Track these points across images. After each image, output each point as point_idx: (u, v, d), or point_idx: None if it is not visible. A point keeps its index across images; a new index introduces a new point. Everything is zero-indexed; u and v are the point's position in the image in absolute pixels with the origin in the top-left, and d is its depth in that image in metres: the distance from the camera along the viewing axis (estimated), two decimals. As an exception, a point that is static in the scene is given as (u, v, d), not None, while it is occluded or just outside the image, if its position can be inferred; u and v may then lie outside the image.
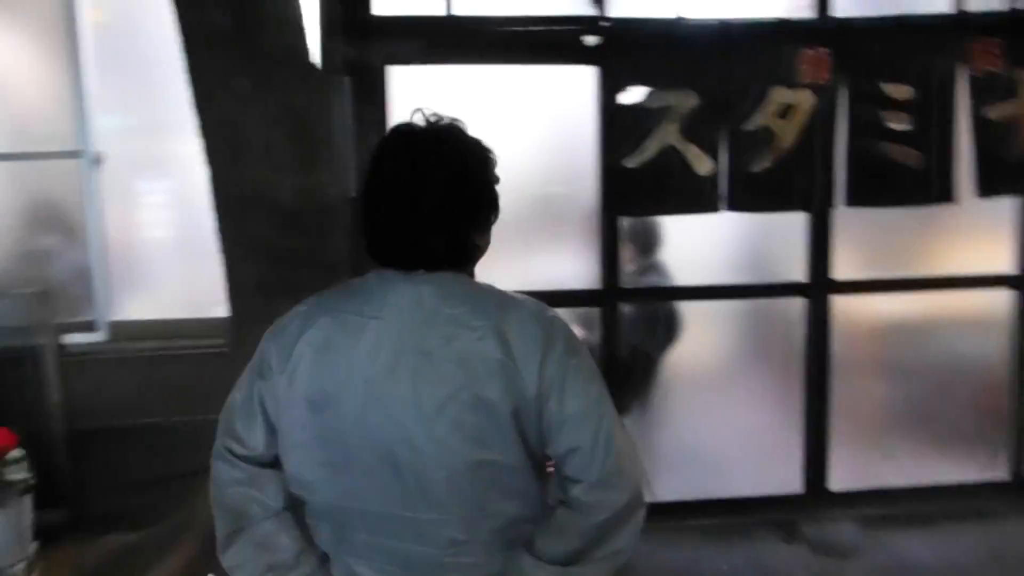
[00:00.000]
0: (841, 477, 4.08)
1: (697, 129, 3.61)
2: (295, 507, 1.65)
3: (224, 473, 1.64)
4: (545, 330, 1.55)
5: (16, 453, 3.24)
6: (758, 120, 3.65)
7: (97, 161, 3.85)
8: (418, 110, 1.65)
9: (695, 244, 4.06)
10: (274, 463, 1.63)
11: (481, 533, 1.57)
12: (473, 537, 1.57)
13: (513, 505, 1.57)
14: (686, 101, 3.60)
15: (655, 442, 4.17)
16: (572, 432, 1.55)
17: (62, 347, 3.83)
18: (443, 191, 1.55)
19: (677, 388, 4.18)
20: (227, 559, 1.63)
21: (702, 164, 3.64)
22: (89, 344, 3.86)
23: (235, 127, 2.92)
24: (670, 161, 3.62)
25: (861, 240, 4.04)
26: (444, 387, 1.50)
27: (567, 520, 1.57)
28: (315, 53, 3.04)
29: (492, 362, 1.50)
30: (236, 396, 1.65)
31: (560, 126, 3.92)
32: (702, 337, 4.20)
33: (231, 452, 1.63)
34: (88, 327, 3.90)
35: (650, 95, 3.60)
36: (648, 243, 4.19)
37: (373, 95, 3.71)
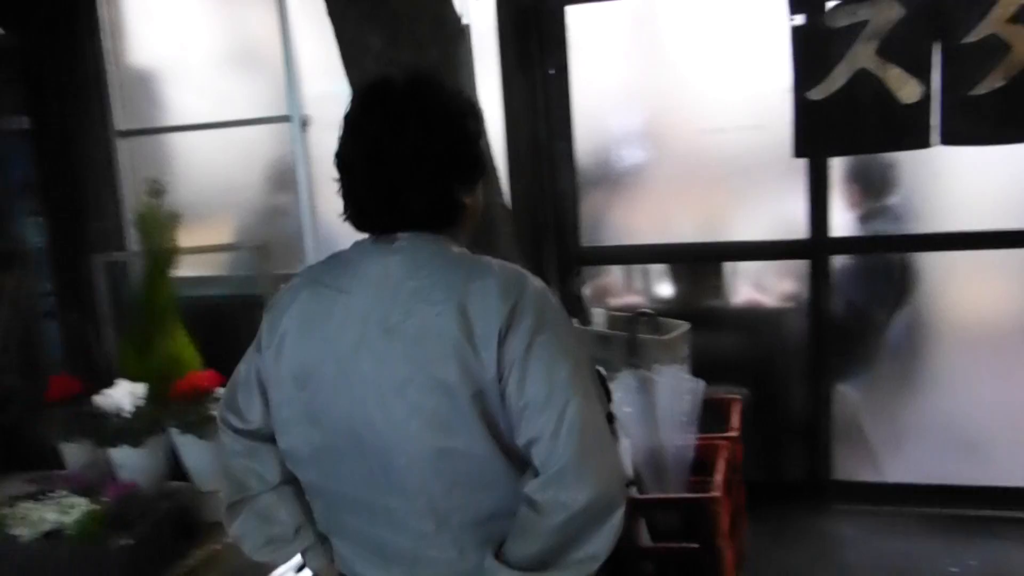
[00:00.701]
0: None
1: (900, 47, 3.09)
2: (295, 482, 1.66)
3: (227, 444, 1.69)
4: (510, 304, 1.41)
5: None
6: (984, 29, 3.03)
7: (305, 124, 4.15)
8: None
9: (946, 183, 3.52)
10: (273, 438, 1.63)
11: (451, 527, 1.48)
12: (442, 530, 1.48)
13: (485, 499, 1.46)
14: (886, 13, 3.08)
15: (889, 414, 3.74)
16: (531, 420, 1.40)
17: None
18: (417, 141, 1.46)
19: (918, 353, 3.69)
20: (233, 529, 1.68)
21: (907, 89, 3.12)
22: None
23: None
24: (864, 89, 3.13)
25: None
26: (402, 368, 1.42)
27: (527, 520, 1.42)
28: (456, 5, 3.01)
29: (448, 341, 1.40)
30: (240, 368, 1.69)
31: (752, 54, 3.57)
32: (955, 293, 3.66)
33: (230, 425, 1.67)
34: (299, 281, 4.26)
35: (836, 10, 3.13)
36: (877, 182, 3.71)
37: (553, 38, 3.64)
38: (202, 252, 4.16)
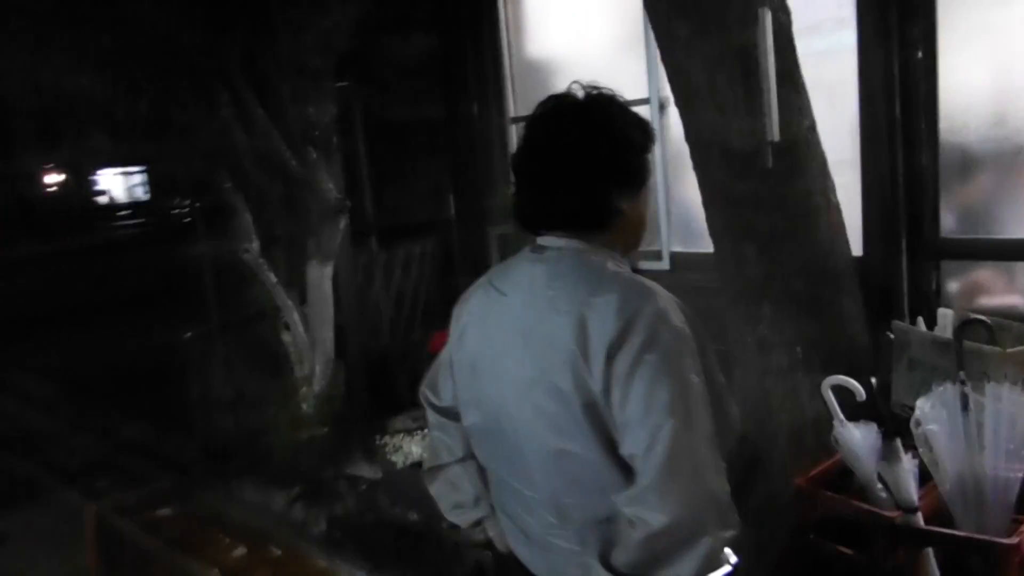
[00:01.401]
0: None
1: None
2: None
3: (428, 417, 1.95)
4: (624, 321, 1.46)
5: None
6: None
7: (663, 106, 4.25)
8: (576, 82, 1.68)
9: None
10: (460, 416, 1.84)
11: (573, 521, 1.58)
12: (565, 523, 1.59)
13: (601, 501, 1.53)
14: None
15: None
16: (630, 436, 1.46)
17: (636, 272, 4.41)
18: (575, 143, 1.59)
19: None
20: (432, 489, 1.93)
21: None
22: (656, 271, 4.37)
23: (686, 73, 3.00)
24: None
25: None
26: (530, 371, 1.56)
27: (620, 530, 1.49)
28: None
29: (566, 350, 1.50)
30: (445, 350, 1.92)
31: None
32: None
33: (428, 401, 1.93)
34: (656, 256, 4.40)
35: None
36: None
37: (918, 6, 3.29)
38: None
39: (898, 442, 2.47)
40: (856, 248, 3.61)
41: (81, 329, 9.56)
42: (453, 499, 1.88)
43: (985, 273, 3.47)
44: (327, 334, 4.36)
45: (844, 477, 2.76)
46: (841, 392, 2.65)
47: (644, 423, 1.43)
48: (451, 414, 1.87)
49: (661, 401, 1.42)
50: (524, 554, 1.72)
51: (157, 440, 5.89)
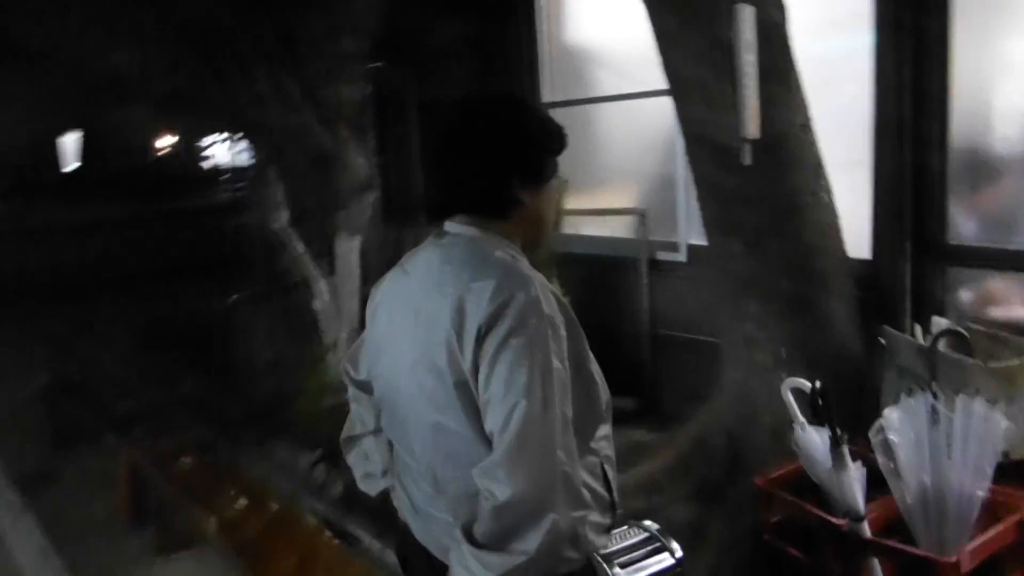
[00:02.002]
0: None
1: None
2: None
3: (348, 390, 2.04)
4: (497, 306, 1.52)
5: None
6: None
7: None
8: None
9: None
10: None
11: (447, 494, 1.66)
12: (441, 495, 1.67)
13: (471, 477, 1.57)
14: None
15: None
16: (491, 414, 1.51)
17: (653, 262, 4.43)
18: (481, 139, 1.67)
19: None
20: (348, 459, 2.02)
21: None
22: (672, 263, 4.36)
23: (676, 66, 3.00)
24: None
25: None
26: (417, 348, 1.64)
27: (479, 502, 1.55)
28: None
29: (444, 331, 1.57)
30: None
31: None
32: None
33: (347, 374, 2.01)
34: (673, 248, 4.39)
35: None
36: None
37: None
38: (587, 214, 4.56)
39: (844, 449, 2.44)
40: (864, 250, 3.55)
41: (154, 289, 10.21)
42: (364, 469, 1.97)
43: (997, 283, 3.35)
44: (353, 305, 4.52)
45: (809, 481, 2.75)
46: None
47: (503, 402, 1.48)
48: (366, 388, 1.96)
49: (519, 383, 1.47)
50: (412, 523, 1.81)
51: (198, 395, 6.25)
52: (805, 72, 3.11)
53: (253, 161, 4.40)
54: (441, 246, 1.70)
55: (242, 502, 3.57)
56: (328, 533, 3.22)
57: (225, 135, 4.65)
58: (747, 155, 2.75)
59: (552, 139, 1.73)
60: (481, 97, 1.75)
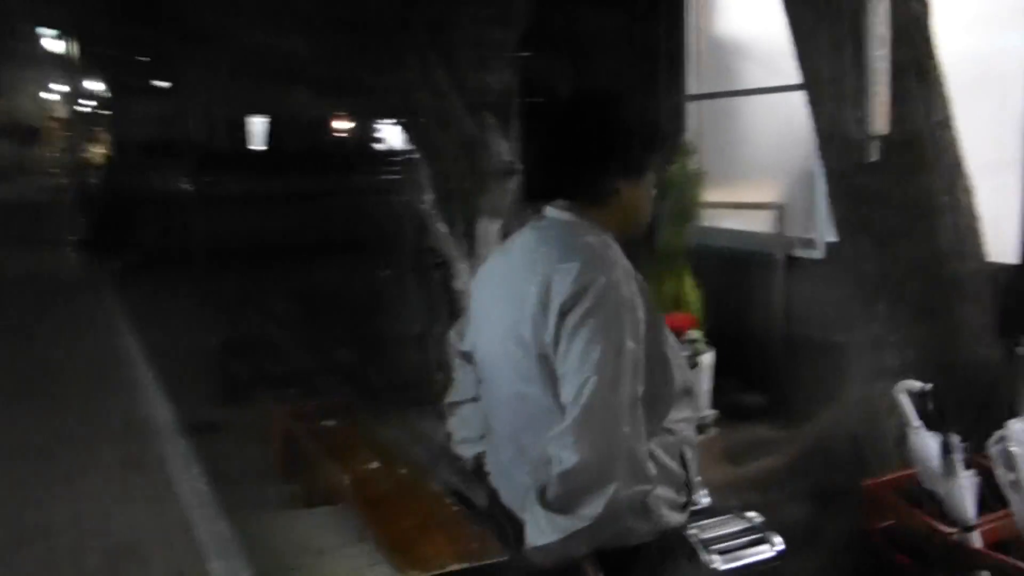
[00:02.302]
0: None
1: None
2: None
3: (454, 358, 2.19)
4: (580, 286, 1.63)
5: (696, 334, 4.03)
6: None
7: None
8: None
9: None
10: None
11: (528, 458, 1.77)
12: (522, 458, 1.79)
13: None
14: None
15: None
16: (566, 385, 1.62)
17: (790, 258, 4.35)
18: (585, 125, 1.78)
19: None
20: (449, 424, 2.14)
21: None
22: (809, 260, 4.27)
23: (810, 60, 2.97)
24: None
25: None
26: (507, 321, 1.78)
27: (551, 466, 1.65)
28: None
29: (532, 306, 1.69)
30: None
31: None
32: None
33: (453, 345, 2.13)
34: (810, 244, 4.29)
35: None
36: None
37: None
38: (725, 207, 4.53)
39: (955, 457, 2.38)
40: (1012, 256, 3.38)
41: (316, 261, 10.98)
42: (462, 434, 2.10)
43: None
44: (491, 285, 4.69)
45: (924, 488, 2.68)
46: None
47: (577, 375, 1.59)
48: (468, 358, 2.09)
49: (593, 359, 1.58)
50: (497, 482, 1.94)
51: (349, 363, 6.66)
52: (956, 69, 3.01)
53: (407, 145, 4.65)
54: (538, 228, 1.82)
55: (374, 464, 3.81)
56: (450, 499, 3.40)
57: (384, 120, 4.92)
58: (874, 151, 2.69)
59: (652, 137, 1.83)
60: (590, 92, 1.86)
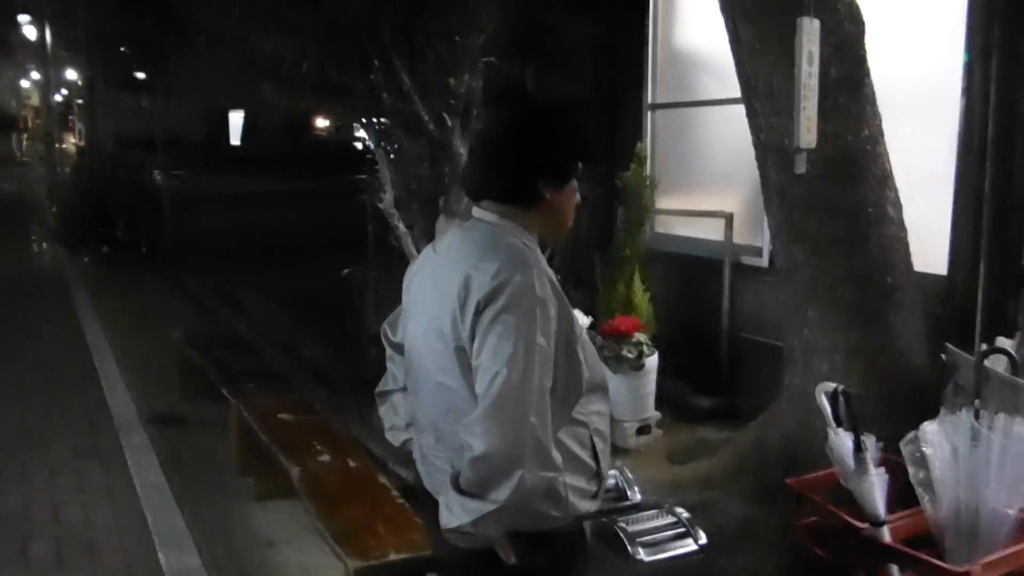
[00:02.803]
0: None
1: None
2: None
3: (386, 348, 2.30)
4: (495, 284, 1.72)
5: (641, 337, 4.14)
6: None
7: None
8: None
9: None
10: None
11: (447, 445, 1.86)
12: (441, 446, 1.89)
13: None
14: None
15: None
16: (479, 378, 1.71)
17: (737, 265, 4.47)
18: (513, 135, 1.88)
19: None
20: (380, 411, 2.22)
21: None
22: (755, 267, 4.39)
23: (748, 74, 3.09)
24: None
25: None
26: (430, 315, 1.87)
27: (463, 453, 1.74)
28: None
29: (451, 302, 1.78)
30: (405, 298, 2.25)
31: None
32: None
33: (385, 336, 2.24)
34: (756, 252, 4.42)
35: None
36: None
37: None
38: (677, 215, 4.64)
39: (866, 455, 2.50)
40: (942, 267, 3.51)
41: (282, 258, 11.10)
42: (391, 421, 2.18)
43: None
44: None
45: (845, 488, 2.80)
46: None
47: (488, 368, 1.67)
48: (399, 349, 2.17)
49: (504, 353, 1.66)
50: (420, 470, 2.04)
51: (312, 359, 6.74)
52: (892, 88, 3.13)
53: (370, 145, 4.74)
54: (465, 228, 1.92)
55: (325, 458, 3.89)
56: (395, 493, 3.48)
57: (349, 121, 4.99)
58: (801, 164, 2.81)
59: (579, 146, 1.91)
60: (522, 100, 1.96)
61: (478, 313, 1.71)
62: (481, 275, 1.74)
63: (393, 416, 2.16)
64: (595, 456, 1.87)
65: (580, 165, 1.92)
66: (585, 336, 1.87)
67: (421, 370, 1.91)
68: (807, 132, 2.74)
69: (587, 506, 1.87)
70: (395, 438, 2.16)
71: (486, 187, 1.90)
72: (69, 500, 4.40)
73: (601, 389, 1.91)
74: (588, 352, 1.87)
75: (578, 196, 1.96)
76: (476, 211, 1.93)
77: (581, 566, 1.94)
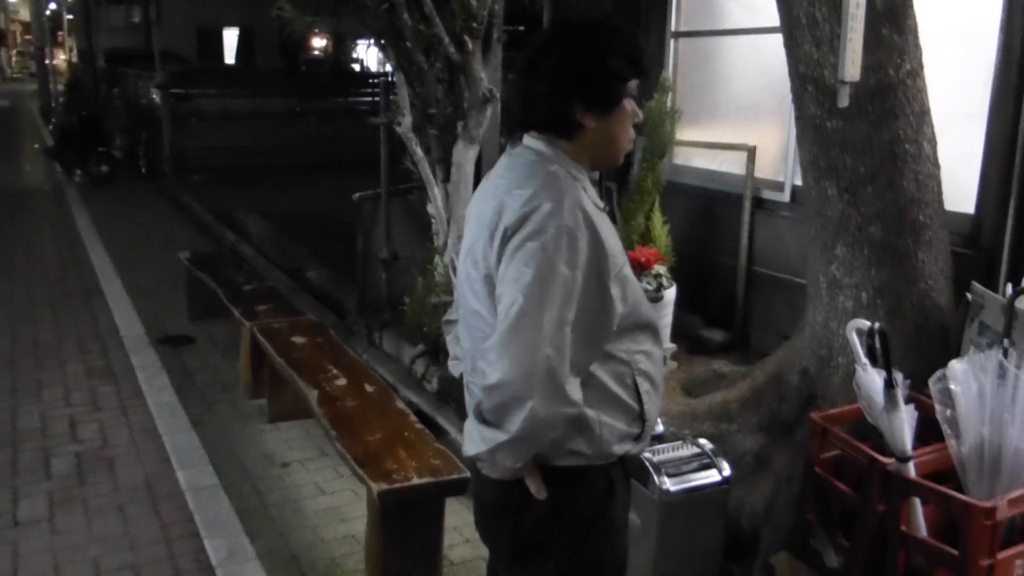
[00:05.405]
0: None
1: None
2: None
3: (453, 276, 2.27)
4: (525, 212, 1.68)
5: (661, 269, 4.13)
6: None
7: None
8: None
9: None
10: None
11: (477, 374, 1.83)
12: (476, 374, 1.82)
13: None
14: None
15: None
16: (500, 306, 1.69)
17: (758, 199, 4.44)
18: (550, 65, 1.78)
19: None
20: (447, 340, 2.20)
21: None
22: (776, 202, 4.36)
23: (789, 3, 3.01)
24: None
25: None
26: (470, 240, 1.85)
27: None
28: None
29: (486, 228, 1.75)
30: None
31: None
32: None
33: (452, 264, 2.25)
34: (778, 187, 4.38)
35: None
36: None
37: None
38: (697, 147, 4.58)
39: (897, 391, 2.51)
40: (969, 205, 3.49)
41: (296, 180, 10.95)
42: (453, 352, 2.14)
43: None
44: (463, 211, 4.72)
45: (869, 423, 2.82)
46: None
47: (507, 295, 1.65)
48: None
49: (523, 281, 1.63)
50: (466, 400, 2.03)
51: (321, 282, 6.73)
52: (930, 19, 3.05)
53: (387, 67, 4.63)
54: (511, 155, 1.86)
55: (342, 381, 3.91)
56: (413, 418, 3.51)
57: (366, 41, 4.87)
58: (844, 97, 2.75)
59: (628, 67, 1.79)
60: (562, 24, 1.87)
61: (505, 240, 1.68)
62: (513, 201, 1.71)
63: (455, 347, 2.11)
64: (638, 398, 1.82)
65: (631, 85, 1.79)
66: (626, 272, 1.80)
67: (462, 298, 1.89)
68: (852, 64, 2.67)
69: (627, 448, 1.84)
70: (455, 368, 2.12)
71: (525, 117, 1.84)
72: (86, 417, 4.43)
73: (649, 329, 1.86)
74: (629, 289, 1.79)
75: (639, 114, 1.86)
76: (526, 138, 1.88)
77: (620, 510, 1.91)
